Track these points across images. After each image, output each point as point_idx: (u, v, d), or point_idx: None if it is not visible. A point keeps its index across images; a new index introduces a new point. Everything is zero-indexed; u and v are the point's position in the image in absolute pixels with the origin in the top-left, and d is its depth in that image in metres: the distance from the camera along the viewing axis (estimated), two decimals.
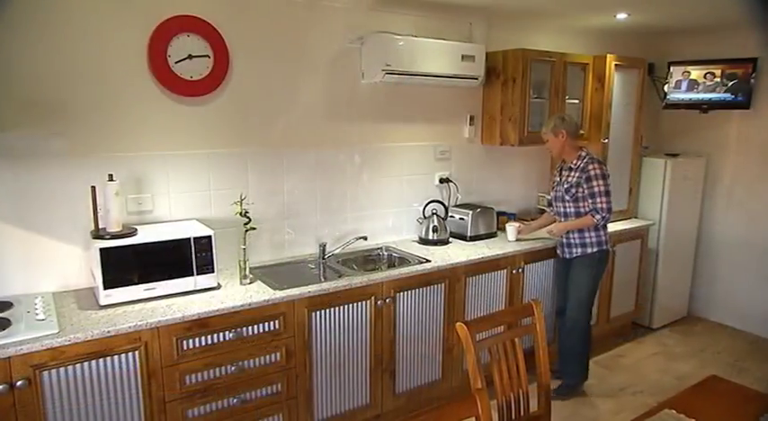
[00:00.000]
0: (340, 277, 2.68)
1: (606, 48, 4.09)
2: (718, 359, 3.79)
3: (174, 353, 2.13)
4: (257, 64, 2.74)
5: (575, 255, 3.15)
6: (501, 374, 1.96)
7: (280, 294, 2.37)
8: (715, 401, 1.85)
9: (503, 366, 1.97)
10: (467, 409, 1.46)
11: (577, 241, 3.12)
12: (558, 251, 3.29)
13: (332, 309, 2.54)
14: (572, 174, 3.09)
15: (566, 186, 3.10)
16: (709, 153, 4.38)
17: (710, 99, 4.12)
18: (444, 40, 3.13)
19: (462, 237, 3.37)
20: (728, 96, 4.04)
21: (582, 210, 3.08)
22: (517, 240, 3.34)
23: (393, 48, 2.92)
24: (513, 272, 3.21)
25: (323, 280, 2.69)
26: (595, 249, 3.10)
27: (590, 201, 3.03)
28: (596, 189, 3.00)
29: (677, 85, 4.26)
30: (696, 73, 4.16)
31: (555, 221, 3.25)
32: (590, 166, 3.01)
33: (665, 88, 4.33)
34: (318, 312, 2.50)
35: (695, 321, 4.47)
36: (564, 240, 3.19)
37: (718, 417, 1.72)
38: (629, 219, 4.11)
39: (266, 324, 2.35)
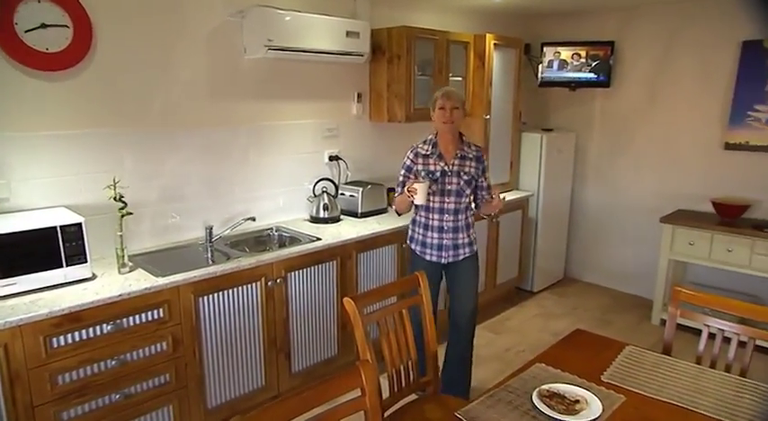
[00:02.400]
0: (228, 260, 2.60)
1: (487, 27, 4.27)
2: (588, 315, 4.21)
3: (42, 352, 1.96)
4: (127, 36, 2.54)
5: (462, 257, 2.76)
6: (390, 345, 2.03)
7: (162, 281, 2.26)
8: (578, 351, 2.06)
9: (391, 337, 2.04)
10: (352, 381, 1.50)
11: (466, 240, 2.75)
12: (431, 257, 2.74)
13: (220, 293, 2.47)
14: (468, 163, 2.69)
15: (466, 178, 2.68)
16: (578, 128, 4.77)
17: (578, 78, 4.47)
18: (328, 15, 3.09)
19: (353, 214, 3.41)
20: (592, 76, 4.41)
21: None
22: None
23: (276, 22, 2.83)
24: (404, 245, 3.29)
25: (210, 263, 2.59)
26: (477, 245, 2.85)
27: (486, 192, 2.77)
28: (489, 179, 2.84)
29: (549, 65, 4.57)
30: (565, 53, 4.49)
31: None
32: (483, 156, 2.76)
33: (540, 67, 4.62)
34: (206, 297, 2.42)
35: (570, 283, 4.91)
36: (449, 242, 2.71)
37: (580, 364, 1.92)
38: (511, 190, 4.38)
39: (149, 313, 2.23)
